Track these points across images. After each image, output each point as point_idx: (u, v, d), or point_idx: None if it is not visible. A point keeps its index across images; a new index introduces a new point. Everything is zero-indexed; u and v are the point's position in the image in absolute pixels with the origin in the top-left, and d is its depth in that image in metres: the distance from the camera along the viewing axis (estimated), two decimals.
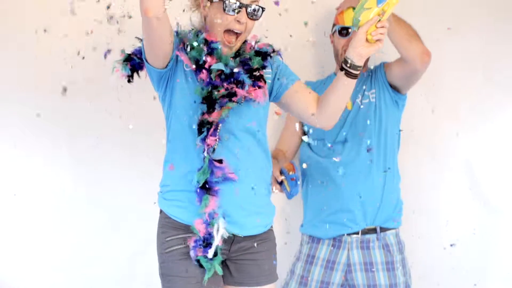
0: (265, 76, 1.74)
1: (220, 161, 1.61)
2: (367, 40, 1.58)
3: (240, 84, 1.64)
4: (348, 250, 2.12)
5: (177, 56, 1.66)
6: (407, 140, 2.46)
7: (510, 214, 2.48)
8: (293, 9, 2.35)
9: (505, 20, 2.46)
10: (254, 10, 1.65)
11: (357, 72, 1.63)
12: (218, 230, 1.61)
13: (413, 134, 2.48)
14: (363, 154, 2.14)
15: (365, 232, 2.12)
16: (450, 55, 2.47)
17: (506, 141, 2.48)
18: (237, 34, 1.66)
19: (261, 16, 1.68)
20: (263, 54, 1.73)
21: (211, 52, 1.65)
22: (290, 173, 1.94)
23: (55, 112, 2.36)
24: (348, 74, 1.63)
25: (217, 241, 1.60)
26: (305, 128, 2.28)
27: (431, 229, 2.49)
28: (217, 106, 1.62)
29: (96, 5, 2.27)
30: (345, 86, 1.66)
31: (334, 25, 2.24)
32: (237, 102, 1.63)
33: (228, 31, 1.65)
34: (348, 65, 1.62)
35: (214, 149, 1.61)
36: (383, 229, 2.13)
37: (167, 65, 1.64)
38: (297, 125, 2.20)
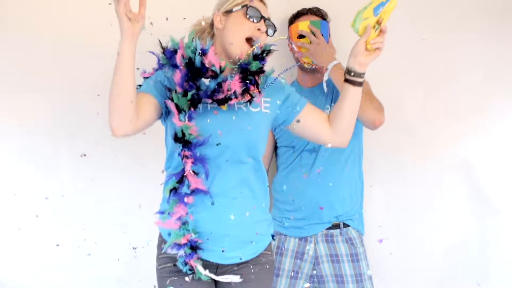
0: (265, 100, 1.75)
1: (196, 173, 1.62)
2: (366, 49, 1.62)
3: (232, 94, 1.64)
4: (314, 244, 2.22)
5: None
6: (407, 140, 2.47)
7: (511, 215, 2.48)
8: None
9: (506, 19, 2.46)
10: (270, 26, 1.73)
11: (362, 80, 1.68)
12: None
13: (413, 134, 2.48)
14: (331, 160, 2.22)
15: (329, 227, 2.22)
16: (450, 54, 2.47)
17: (506, 141, 2.48)
18: (250, 44, 1.70)
19: (272, 35, 1.74)
20: (261, 55, 1.72)
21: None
22: None
23: (55, 112, 2.36)
24: (354, 83, 1.67)
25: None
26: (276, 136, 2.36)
27: (430, 228, 2.50)
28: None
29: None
30: (354, 95, 1.70)
31: (289, 37, 2.32)
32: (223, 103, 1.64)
33: (248, 39, 1.69)
34: (352, 74, 1.66)
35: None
36: (345, 225, 2.23)
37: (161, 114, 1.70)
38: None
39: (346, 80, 1.69)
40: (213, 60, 1.62)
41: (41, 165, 2.37)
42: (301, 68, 2.32)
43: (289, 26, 2.33)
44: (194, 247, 1.63)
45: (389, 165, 2.49)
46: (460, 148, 2.49)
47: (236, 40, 1.67)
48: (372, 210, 2.38)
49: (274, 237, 2.27)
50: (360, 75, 1.68)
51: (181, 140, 1.61)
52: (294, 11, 2.33)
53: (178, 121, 1.61)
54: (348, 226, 2.23)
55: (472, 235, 2.49)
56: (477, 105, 2.48)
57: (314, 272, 2.23)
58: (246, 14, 1.68)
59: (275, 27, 1.76)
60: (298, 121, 1.78)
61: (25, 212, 2.36)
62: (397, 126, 2.45)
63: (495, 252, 2.48)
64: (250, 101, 1.67)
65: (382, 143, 2.40)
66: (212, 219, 1.65)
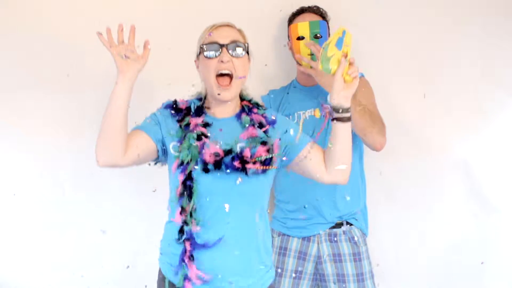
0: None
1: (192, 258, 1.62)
2: (345, 81, 1.64)
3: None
4: (318, 244, 2.23)
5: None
6: (405, 140, 2.47)
7: (510, 214, 2.48)
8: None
9: (505, 18, 2.46)
10: (235, 47, 1.68)
11: (349, 114, 1.67)
12: None
13: (411, 133, 2.48)
14: None
15: (332, 226, 2.22)
16: (449, 53, 2.48)
17: (505, 141, 2.49)
18: (230, 77, 1.68)
19: (246, 52, 1.71)
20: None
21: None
22: None
23: (55, 112, 2.36)
24: (343, 120, 1.66)
25: None
26: None
27: (430, 228, 2.50)
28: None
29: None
30: (344, 131, 1.68)
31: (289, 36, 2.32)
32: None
33: (219, 76, 1.68)
34: (340, 111, 1.65)
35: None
36: (348, 224, 2.24)
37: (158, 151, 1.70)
38: None
39: (335, 119, 1.66)
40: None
41: (41, 165, 2.37)
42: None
43: (288, 26, 2.33)
44: None
45: (389, 165, 2.49)
46: (460, 148, 2.49)
47: (209, 83, 1.69)
48: (372, 210, 2.38)
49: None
50: (347, 109, 1.66)
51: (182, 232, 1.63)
52: (294, 10, 2.34)
53: (181, 176, 1.62)
54: (351, 225, 2.24)
55: (472, 234, 2.49)
56: (476, 105, 2.48)
57: (316, 271, 2.23)
58: (204, 54, 1.68)
59: (244, 45, 1.70)
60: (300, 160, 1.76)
61: (25, 212, 2.36)
62: (397, 126, 2.45)
63: (494, 252, 2.48)
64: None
65: None
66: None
